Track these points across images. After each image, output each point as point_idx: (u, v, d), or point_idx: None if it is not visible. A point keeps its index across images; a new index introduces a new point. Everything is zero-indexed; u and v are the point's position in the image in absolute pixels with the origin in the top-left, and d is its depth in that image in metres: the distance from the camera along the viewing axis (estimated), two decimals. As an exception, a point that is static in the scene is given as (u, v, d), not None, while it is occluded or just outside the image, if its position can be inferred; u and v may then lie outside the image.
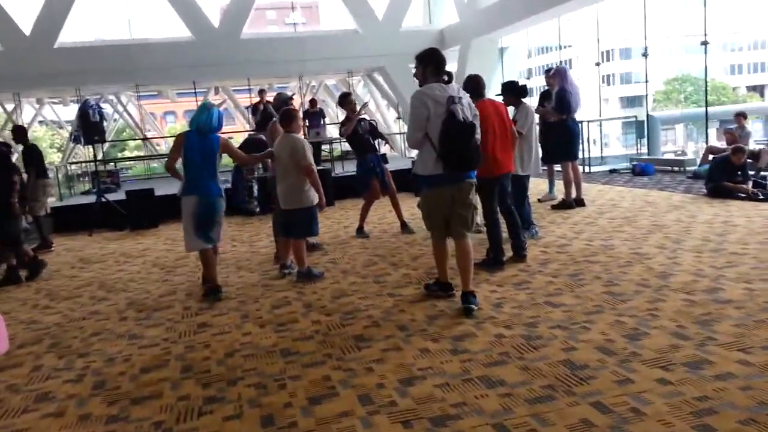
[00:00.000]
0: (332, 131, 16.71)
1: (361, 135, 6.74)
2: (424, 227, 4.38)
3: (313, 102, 13.70)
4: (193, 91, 17.04)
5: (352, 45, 16.11)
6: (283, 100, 6.08)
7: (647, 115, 13.75)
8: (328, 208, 8.95)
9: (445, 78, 4.01)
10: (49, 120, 34.53)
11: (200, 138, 4.79)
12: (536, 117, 5.83)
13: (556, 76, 7.52)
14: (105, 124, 9.35)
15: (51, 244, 7.97)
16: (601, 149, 13.15)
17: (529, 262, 5.10)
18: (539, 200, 8.25)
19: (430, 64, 4.02)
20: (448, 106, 3.87)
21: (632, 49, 56.12)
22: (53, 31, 14.00)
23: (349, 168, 11.13)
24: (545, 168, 8.30)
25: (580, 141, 7.40)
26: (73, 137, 10.43)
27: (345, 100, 6.93)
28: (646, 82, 16.15)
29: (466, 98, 4.05)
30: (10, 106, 21.51)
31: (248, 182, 9.55)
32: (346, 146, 16.70)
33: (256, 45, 15.49)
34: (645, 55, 13.52)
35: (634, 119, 14.58)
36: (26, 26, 13.85)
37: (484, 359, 3.20)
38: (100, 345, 3.94)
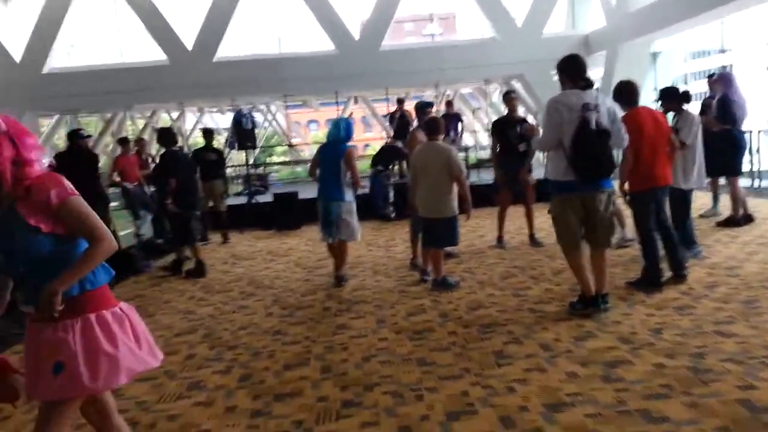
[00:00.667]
0: (466, 138, 16.58)
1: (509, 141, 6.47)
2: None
3: (449, 104, 13.54)
4: (335, 101, 17.72)
5: (490, 53, 15.86)
6: (421, 107, 6.05)
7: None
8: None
9: (583, 84, 3.92)
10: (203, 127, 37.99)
11: (331, 148, 5.45)
12: (699, 125, 5.25)
13: (719, 82, 6.77)
14: (256, 131, 9.94)
15: (207, 239, 8.64)
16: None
17: (692, 284, 4.57)
18: (701, 216, 7.45)
19: (567, 71, 4.01)
20: (582, 113, 3.82)
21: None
22: (213, 46, 15.30)
23: (485, 177, 10.94)
24: (709, 180, 7.47)
25: (745, 153, 6.58)
26: (228, 143, 11.26)
27: (507, 98, 6.71)
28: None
29: (606, 106, 3.94)
30: (175, 114, 23.93)
31: (385, 188, 9.67)
32: (482, 154, 16.50)
33: (394, 56, 15.80)
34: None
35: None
36: (188, 41, 15.29)
37: (642, 390, 2.87)
38: (248, 339, 4.12)
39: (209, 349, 3.98)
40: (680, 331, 3.61)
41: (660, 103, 5.41)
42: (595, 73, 16.39)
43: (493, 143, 6.74)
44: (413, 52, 16.15)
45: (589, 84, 3.95)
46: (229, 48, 17.60)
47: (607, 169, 3.89)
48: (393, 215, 9.50)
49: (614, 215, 4.17)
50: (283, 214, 9.68)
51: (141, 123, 25.88)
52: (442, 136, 5.16)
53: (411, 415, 2.79)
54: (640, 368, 3.13)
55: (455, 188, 5.00)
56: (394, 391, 3.06)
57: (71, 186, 1.90)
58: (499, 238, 6.79)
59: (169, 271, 6.64)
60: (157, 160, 7.93)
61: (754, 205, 8.26)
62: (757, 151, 10.90)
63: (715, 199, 7.52)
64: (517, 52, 15.59)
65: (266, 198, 10.32)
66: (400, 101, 12.75)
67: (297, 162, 25.03)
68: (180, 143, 9.05)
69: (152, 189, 8.77)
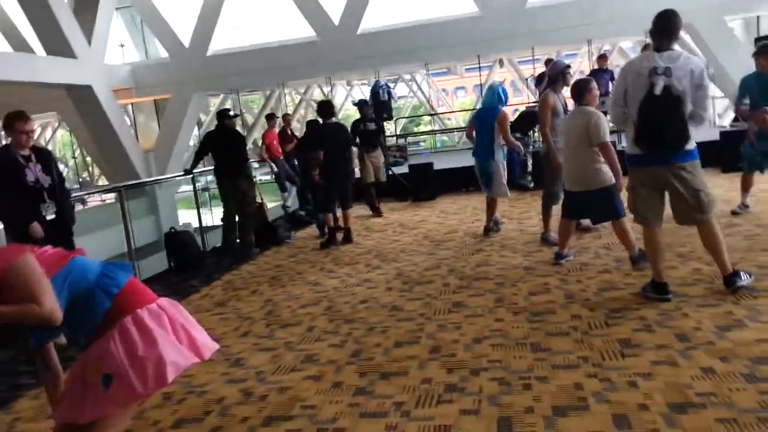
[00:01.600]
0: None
1: None
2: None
3: (602, 58, 12.28)
4: (478, 65, 17.25)
5: (648, 2, 14.25)
6: (560, 70, 5.58)
7: None
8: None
9: (662, 45, 3.47)
10: (357, 99, 39.12)
11: (485, 112, 6.07)
12: None
13: None
14: (392, 102, 10.00)
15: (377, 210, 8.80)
16: None
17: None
18: None
19: (654, 28, 3.52)
20: (650, 78, 3.40)
21: None
22: (356, 19, 15.58)
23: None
24: None
25: None
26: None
27: None
28: None
29: (687, 68, 3.40)
30: (327, 89, 24.95)
31: (523, 156, 9.24)
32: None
33: (541, 13, 14.89)
34: None
35: None
36: (335, 16, 15.70)
37: (795, 396, 2.43)
38: (366, 313, 4.19)
39: (329, 321, 4.11)
40: None
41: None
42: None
43: None
44: (562, 6, 15.07)
45: (662, 45, 3.46)
46: (372, 20, 17.86)
47: (674, 141, 3.44)
48: (531, 185, 9.08)
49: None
50: (419, 185, 9.70)
51: (297, 99, 27.42)
52: (593, 97, 4.62)
53: (515, 404, 2.64)
54: (797, 370, 2.65)
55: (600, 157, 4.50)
56: (501, 378, 2.92)
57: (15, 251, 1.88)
58: None
59: (329, 242, 6.80)
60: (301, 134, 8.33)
61: None
62: None
63: None
64: (682, -2, 13.86)
65: (403, 169, 10.37)
66: (549, 61, 12.02)
67: (443, 131, 24.91)
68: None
69: (295, 162, 9.24)
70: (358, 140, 8.36)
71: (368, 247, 6.46)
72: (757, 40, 6.99)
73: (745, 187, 5.68)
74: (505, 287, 4.40)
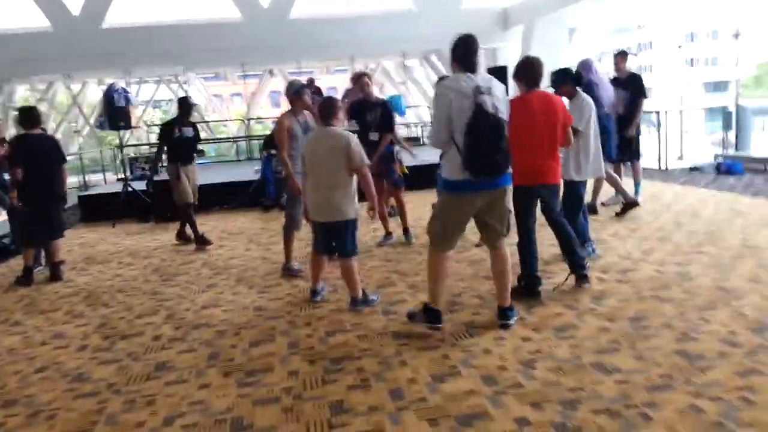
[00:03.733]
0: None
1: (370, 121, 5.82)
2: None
3: (311, 82, 12.05)
4: (243, 74, 16.55)
5: (408, 25, 15.13)
6: (295, 90, 5.20)
7: (736, 104, 12.05)
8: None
9: (473, 67, 3.37)
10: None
11: None
12: (593, 110, 4.74)
13: (580, 67, 6.49)
14: (131, 108, 8.81)
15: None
16: (681, 143, 11.60)
17: (578, 297, 4.06)
18: (603, 204, 7.08)
19: (455, 52, 3.42)
20: (476, 98, 3.24)
21: (719, 32, 51.82)
22: (101, 11, 13.80)
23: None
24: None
25: (615, 139, 6.54)
26: (98, 123, 10.04)
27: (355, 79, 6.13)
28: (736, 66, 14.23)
29: (499, 89, 3.37)
30: (76, 87, 21.82)
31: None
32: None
33: (305, 26, 14.81)
34: (737, 35, 11.78)
35: (721, 109, 12.87)
36: (73, 7, 13.72)
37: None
38: (35, 388, 3.26)
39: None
40: (555, 365, 3.05)
41: (552, 86, 4.83)
42: (512, 47, 15.99)
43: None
44: (325, 23, 15.17)
45: (470, 66, 3.38)
46: (121, 14, 16.06)
47: (505, 164, 3.35)
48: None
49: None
50: (163, 203, 8.67)
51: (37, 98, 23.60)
52: (340, 119, 4.30)
53: None
54: (499, 426, 2.52)
55: (354, 184, 4.17)
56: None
57: None
58: (386, 235, 6.18)
59: (20, 282, 5.56)
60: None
61: (659, 190, 8.02)
62: (659, 130, 10.78)
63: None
64: (436, 26, 14.89)
65: (148, 185, 9.17)
66: (311, 81, 11.76)
67: (215, 141, 23.40)
68: (44, 125, 7.78)
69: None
70: (167, 149, 6.76)
71: (79, 286, 5.36)
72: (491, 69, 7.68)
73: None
74: (225, 337, 3.81)
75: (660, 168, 10.36)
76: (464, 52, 3.39)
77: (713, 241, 5.22)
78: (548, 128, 4.02)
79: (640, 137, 7.18)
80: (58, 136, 18.65)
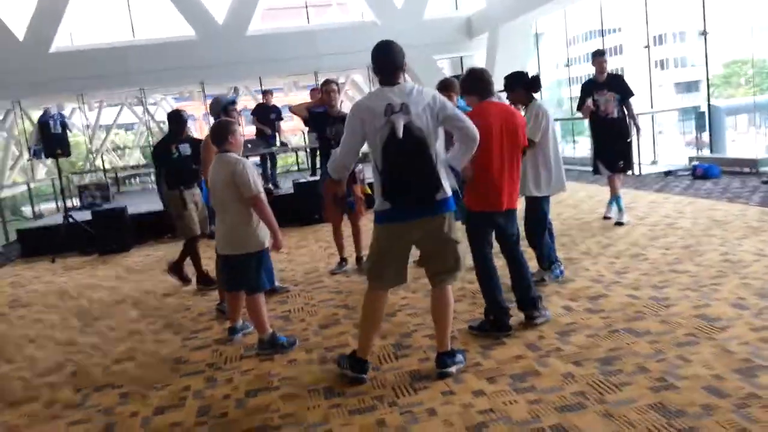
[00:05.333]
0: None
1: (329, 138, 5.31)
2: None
3: (267, 94, 11.26)
4: (203, 93, 15.95)
5: (370, 37, 14.50)
6: (223, 107, 4.67)
7: (708, 104, 11.74)
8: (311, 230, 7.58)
9: (391, 80, 2.93)
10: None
11: None
12: (550, 119, 4.25)
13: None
14: (68, 134, 8.21)
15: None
16: (654, 146, 11.26)
17: (544, 330, 3.55)
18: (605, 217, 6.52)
19: (374, 64, 2.98)
20: (387, 117, 2.79)
21: (686, 33, 52.52)
22: (49, 33, 13.18)
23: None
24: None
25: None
26: (33, 151, 9.40)
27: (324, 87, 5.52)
28: (706, 65, 13.98)
29: (423, 104, 2.85)
30: (38, 114, 21.01)
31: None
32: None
33: (264, 41, 14.32)
34: (704, 34, 11.54)
35: (693, 109, 12.56)
36: (18, 31, 13.06)
37: None
38: None
39: None
40: (509, 429, 2.52)
41: (505, 93, 4.35)
42: (479, 57, 15.64)
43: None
44: (285, 37, 14.66)
45: (397, 79, 2.93)
46: (70, 37, 15.46)
47: (426, 190, 2.86)
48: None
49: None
50: (107, 234, 8.05)
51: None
52: (237, 143, 3.77)
53: None
54: None
55: (254, 214, 3.68)
56: None
57: None
58: (340, 261, 5.65)
59: None
60: None
61: (633, 198, 7.59)
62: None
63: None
64: (398, 36, 14.31)
65: (90, 214, 8.52)
66: (266, 92, 11.23)
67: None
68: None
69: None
70: (165, 174, 5.55)
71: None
72: (456, 77, 7.13)
73: None
74: (128, 402, 3.23)
75: (634, 173, 9.96)
76: (378, 65, 2.96)
77: (692, 256, 4.75)
78: (511, 145, 3.53)
79: (632, 144, 6.58)
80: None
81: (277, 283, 5.14)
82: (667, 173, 9.63)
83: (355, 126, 2.92)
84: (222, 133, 3.69)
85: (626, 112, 6.31)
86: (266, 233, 3.70)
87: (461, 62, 16.21)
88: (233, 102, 4.84)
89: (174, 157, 5.37)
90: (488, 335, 3.53)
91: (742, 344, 3.06)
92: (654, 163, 10.87)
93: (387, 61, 2.92)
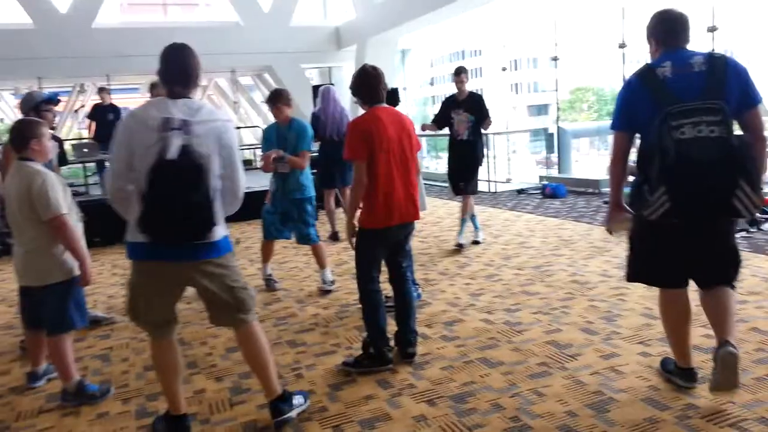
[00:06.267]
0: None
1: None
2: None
3: (103, 91, 10.43)
4: (39, 88, 14.19)
5: (234, 40, 13.94)
6: (33, 105, 3.93)
7: (557, 127, 12.56)
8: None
9: (177, 89, 2.43)
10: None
11: None
12: None
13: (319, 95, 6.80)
14: None
15: None
16: (508, 166, 11.78)
17: (396, 365, 3.29)
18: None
19: (163, 67, 2.46)
20: (161, 133, 2.29)
21: (538, 59, 57.09)
22: None
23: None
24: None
25: (335, 168, 6.61)
26: None
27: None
28: (556, 90, 15.03)
29: (211, 126, 2.40)
30: None
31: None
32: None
33: (112, 36, 13.03)
34: (555, 59, 12.34)
35: (543, 131, 13.40)
36: None
37: None
38: None
39: None
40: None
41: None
42: (347, 68, 15.53)
43: None
44: (137, 32, 13.44)
45: (185, 92, 2.43)
46: None
47: (191, 228, 2.33)
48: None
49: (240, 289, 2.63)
50: None
51: None
52: (43, 149, 3.11)
53: None
54: None
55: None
56: None
57: None
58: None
59: None
60: None
61: (489, 216, 7.75)
62: (494, 156, 10.85)
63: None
64: (264, 41, 13.91)
65: None
66: (102, 89, 10.10)
67: None
68: None
69: None
70: None
71: None
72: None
73: (266, 257, 5.05)
74: None
75: (489, 191, 10.30)
76: (169, 70, 2.43)
77: (542, 277, 4.81)
78: (403, 152, 3.23)
79: (480, 167, 6.22)
80: None
81: (98, 313, 4.50)
82: (520, 191, 10.06)
83: (123, 138, 2.37)
84: (23, 134, 3.02)
85: (478, 134, 6.05)
86: (73, 262, 3.08)
87: (329, 72, 16.00)
88: (50, 100, 4.07)
89: None
90: (366, 371, 3.19)
91: (593, 374, 3.02)
92: (508, 181, 11.34)
93: (183, 67, 2.42)
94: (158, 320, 2.56)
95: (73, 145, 10.23)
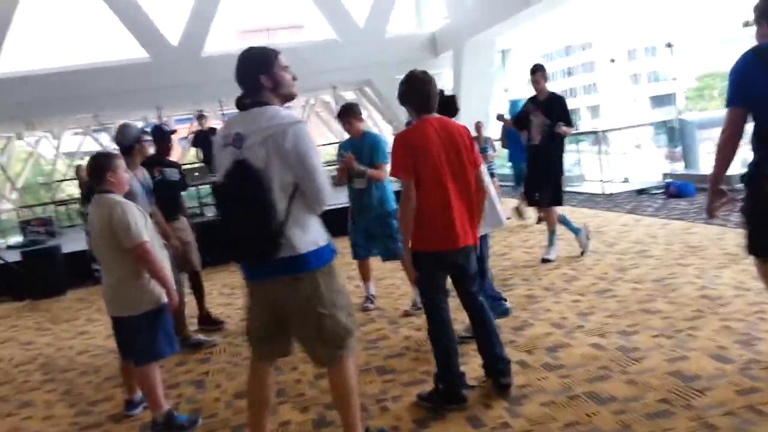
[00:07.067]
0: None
1: None
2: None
3: (202, 118, 10.30)
4: (158, 117, 15.30)
5: (334, 56, 14.22)
6: (133, 139, 4.03)
7: (678, 118, 11.43)
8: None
9: (247, 102, 2.34)
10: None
11: None
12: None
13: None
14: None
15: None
16: (627, 164, 10.87)
17: (492, 396, 2.97)
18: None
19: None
20: (220, 151, 2.34)
21: (657, 47, 53.15)
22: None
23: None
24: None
25: None
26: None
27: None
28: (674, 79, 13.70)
29: (262, 133, 2.24)
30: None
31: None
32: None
33: (221, 62, 13.69)
34: (669, 45, 11.24)
35: (663, 124, 12.25)
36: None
37: None
38: None
39: None
40: None
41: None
42: (446, 76, 15.25)
43: None
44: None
45: (252, 100, 2.32)
46: (20, 61, 14.77)
47: (253, 247, 2.23)
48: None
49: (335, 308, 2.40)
50: (37, 276, 7.35)
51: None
52: (120, 182, 3.13)
53: None
54: None
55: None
56: None
57: None
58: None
59: None
60: None
61: (603, 221, 7.08)
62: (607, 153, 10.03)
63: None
64: (362, 55, 14.07)
65: (15, 255, 7.84)
66: (201, 116, 10.48)
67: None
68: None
69: None
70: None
71: None
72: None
73: (364, 276, 4.90)
74: None
75: (604, 192, 9.52)
76: (241, 84, 2.39)
77: (665, 292, 4.22)
78: (459, 169, 2.93)
79: (563, 177, 5.64)
80: None
81: (201, 337, 4.58)
82: (640, 192, 9.20)
83: (214, 159, 2.41)
84: (99, 169, 3.07)
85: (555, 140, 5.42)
86: (160, 291, 3.08)
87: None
88: (146, 131, 4.21)
89: (156, 181, 4.42)
90: (436, 407, 2.92)
91: (726, 414, 2.51)
92: (625, 181, 10.45)
93: (240, 74, 2.35)
94: (259, 341, 2.48)
95: (184, 171, 10.76)
